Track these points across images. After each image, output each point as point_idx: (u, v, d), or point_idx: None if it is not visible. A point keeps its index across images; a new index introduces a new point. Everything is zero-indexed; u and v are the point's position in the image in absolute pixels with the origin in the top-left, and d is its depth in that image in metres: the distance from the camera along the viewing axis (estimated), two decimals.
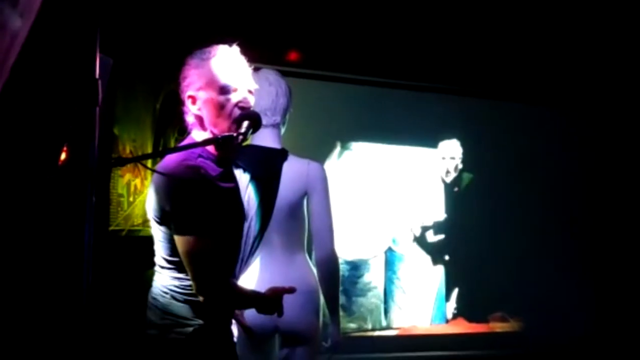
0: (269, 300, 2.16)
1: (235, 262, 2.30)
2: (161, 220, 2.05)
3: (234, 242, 2.23)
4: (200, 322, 2.07)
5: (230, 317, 2.27)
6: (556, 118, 5.04)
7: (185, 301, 2.08)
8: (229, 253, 2.19)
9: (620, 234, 5.01)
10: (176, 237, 2.03)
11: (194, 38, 2.23)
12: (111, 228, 3.72)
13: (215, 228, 2.05)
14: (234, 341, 2.29)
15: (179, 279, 2.08)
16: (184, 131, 3.88)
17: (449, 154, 4.79)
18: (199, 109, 2.13)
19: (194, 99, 2.14)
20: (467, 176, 4.84)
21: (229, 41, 2.19)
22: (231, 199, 2.19)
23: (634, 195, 5.03)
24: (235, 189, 2.23)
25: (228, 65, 2.13)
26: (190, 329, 2.06)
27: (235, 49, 2.19)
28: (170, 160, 2.04)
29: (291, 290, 2.19)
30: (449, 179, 4.80)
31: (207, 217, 2.02)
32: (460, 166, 4.80)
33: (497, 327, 4.83)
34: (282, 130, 3.01)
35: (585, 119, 5.12)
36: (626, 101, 5.02)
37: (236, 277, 2.51)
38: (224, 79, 2.11)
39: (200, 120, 2.15)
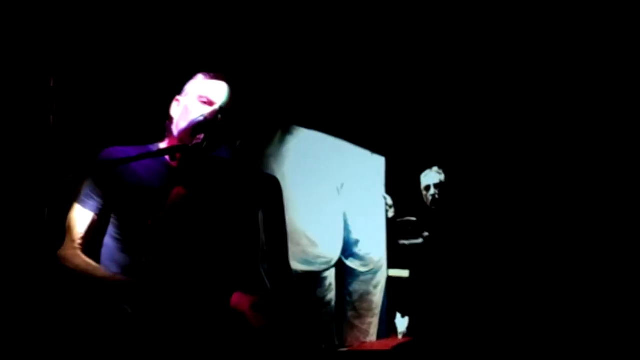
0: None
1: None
2: None
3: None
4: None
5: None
6: None
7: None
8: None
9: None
10: None
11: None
12: None
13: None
14: None
15: None
16: None
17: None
18: (175, 112, 2.27)
19: (177, 102, 2.29)
20: None
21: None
22: (148, 196, 2.17)
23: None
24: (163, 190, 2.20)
25: (212, 81, 2.26)
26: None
27: (223, 77, 2.29)
28: None
29: None
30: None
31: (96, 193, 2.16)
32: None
33: None
34: (237, 142, 2.99)
35: None
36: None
37: None
38: (203, 89, 2.24)
39: (172, 122, 2.27)
